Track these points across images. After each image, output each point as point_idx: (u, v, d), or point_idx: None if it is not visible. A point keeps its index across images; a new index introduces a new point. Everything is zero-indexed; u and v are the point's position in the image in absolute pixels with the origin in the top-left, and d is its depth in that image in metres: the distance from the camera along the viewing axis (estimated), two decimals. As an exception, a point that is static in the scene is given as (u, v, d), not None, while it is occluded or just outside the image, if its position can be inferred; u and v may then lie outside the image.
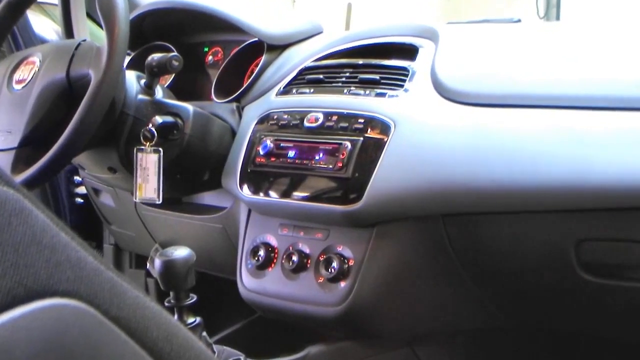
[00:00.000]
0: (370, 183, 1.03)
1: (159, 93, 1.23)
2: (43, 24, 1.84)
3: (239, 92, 1.30)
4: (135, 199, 1.20)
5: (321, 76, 1.21)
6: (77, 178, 1.79)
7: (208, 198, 1.42)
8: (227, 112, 1.29)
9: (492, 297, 1.10)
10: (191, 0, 1.41)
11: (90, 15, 1.59)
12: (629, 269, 0.94)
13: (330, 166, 1.08)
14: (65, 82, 1.16)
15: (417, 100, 1.08)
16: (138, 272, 1.75)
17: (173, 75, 1.44)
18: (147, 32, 1.51)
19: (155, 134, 1.16)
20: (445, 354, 1.30)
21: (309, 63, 1.27)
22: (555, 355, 1.28)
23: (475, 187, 0.96)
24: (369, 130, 1.07)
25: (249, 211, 1.22)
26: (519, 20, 1.30)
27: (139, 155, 1.17)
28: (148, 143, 1.17)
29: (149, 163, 1.17)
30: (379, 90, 1.12)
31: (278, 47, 1.36)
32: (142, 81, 1.21)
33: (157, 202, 1.18)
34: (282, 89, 1.25)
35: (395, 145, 1.03)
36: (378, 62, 1.21)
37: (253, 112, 1.25)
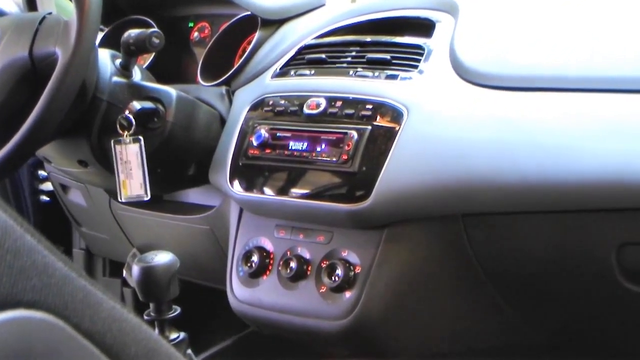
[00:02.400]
0: (379, 178, 1.03)
1: (136, 75, 1.23)
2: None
3: (229, 73, 1.30)
4: (121, 199, 1.20)
5: (323, 55, 1.21)
6: (42, 173, 1.79)
7: (193, 195, 1.42)
8: (215, 97, 1.29)
9: (521, 309, 1.10)
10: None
11: (57, -15, 1.59)
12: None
13: (334, 159, 1.08)
14: (28, 62, 1.16)
15: (434, 83, 1.08)
16: (113, 281, 1.75)
17: (153, 54, 1.44)
18: (122, 4, 1.51)
19: (133, 122, 1.16)
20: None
21: (309, 40, 1.27)
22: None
23: (500, 183, 0.96)
24: (378, 117, 1.07)
25: (241, 210, 1.22)
26: (552, -9, 1.29)
27: (118, 147, 1.17)
28: (125, 132, 1.17)
29: (130, 155, 1.17)
30: (389, 72, 1.12)
31: (274, 22, 1.35)
32: (118, 61, 1.21)
33: (146, 199, 1.18)
34: (278, 70, 1.25)
35: (408, 135, 1.03)
36: (389, 39, 1.21)
37: (245, 96, 1.25)
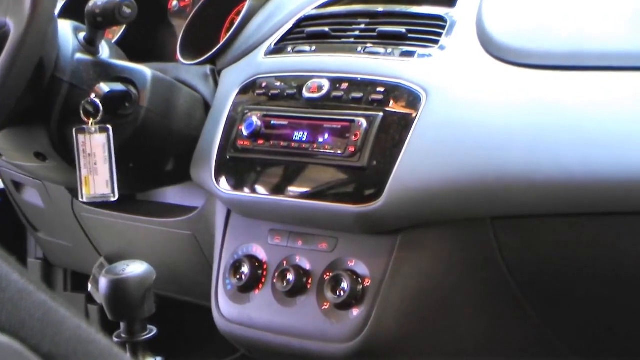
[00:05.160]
0: (392, 174, 1.03)
1: (104, 51, 1.23)
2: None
3: (214, 50, 1.30)
4: (82, 198, 1.20)
5: (326, 29, 1.21)
6: (-9, 168, 1.79)
7: (172, 195, 1.42)
8: (197, 78, 1.29)
9: (560, 328, 1.10)
10: None
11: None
12: None
13: (339, 151, 1.08)
14: (-26, 36, 1.16)
15: (458, 61, 1.08)
16: (75, 297, 1.75)
17: (124, 27, 1.44)
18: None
19: (101, 108, 1.16)
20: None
21: (310, 11, 1.27)
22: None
23: (538, 180, 0.95)
24: (392, 102, 1.07)
25: (228, 212, 1.22)
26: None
27: (80, 137, 1.17)
28: (91, 120, 1.16)
29: (96, 147, 1.17)
30: (405, 48, 1.12)
31: (267, -11, 1.35)
32: (81, 35, 1.21)
33: (113, 200, 1.18)
34: (273, 46, 1.25)
35: (427, 123, 1.03)
36: (404, 9, 1.20)
37: (233, 77, 1.25)
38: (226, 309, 1.18)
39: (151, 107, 1.21)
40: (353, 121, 1.08)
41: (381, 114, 1.07)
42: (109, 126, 1.17)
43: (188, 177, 1.26)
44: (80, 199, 1.21)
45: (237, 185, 1.16)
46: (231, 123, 1.19)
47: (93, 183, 1.18)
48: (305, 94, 1.14)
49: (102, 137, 1.17)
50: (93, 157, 1.18)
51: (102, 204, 1.27)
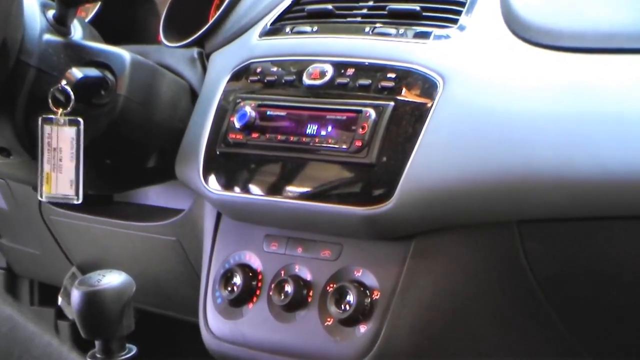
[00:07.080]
0: (405, 172, 1.03)
1: (76, 32, 1.23)
2: None
3: (202, 30, 1.30)
4: (41, 196, 1.20)
5: (330, 6, 1.21)
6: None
7: (154, 196, 1.43)
8: (183, 63, 1.29)
9: (592, 342, 1.11)
10: None
11: None
12: None
13: (344, 146, 1.08)
14: None
15: (479, 43, 1.08)
16: (44, 311, 1.76)
17: (99, 3, 1.44)
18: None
19: (72, 96, 1.16)
20: None
21: (310, -14, 1.27)
22: None
23: (571, 178, 0.95)
24: (404, 90, 1.07)
25: (218, 216, 1.22)
26: None
27: (47, 128, 1.17)
28: (61, 110, 1.16)
29: (63, 141, 1.17)
30: (419, 29, 1.12)
31: (262, -39, 1.35)
32: (50, 13, 1.21)
33: (76, 203, 1.18)
34: (269, 26, 1.25)
35: (444, 114, 1.03)
36: (418, -16, 1.21)
37: (224, 62, 1.25)
38: (216, 325, 1.19)
39: (130, 96, 1.21)
40: (360, 112, 1.08)
41: (392, 103, 1.07)
42: (80, 119, 1.17)
43: (173, 176, 1.26)
44: (39, 197, 1.21)
45: (228, 185, 1.16)
46: (221, 114, 1.19)
47: (55, 181, 1.18)
48: (306, 80, 1.14)
49: (71, 131, 1.17)
50: (58, 152, 1.18)
51: (75, 208, 1.27)
